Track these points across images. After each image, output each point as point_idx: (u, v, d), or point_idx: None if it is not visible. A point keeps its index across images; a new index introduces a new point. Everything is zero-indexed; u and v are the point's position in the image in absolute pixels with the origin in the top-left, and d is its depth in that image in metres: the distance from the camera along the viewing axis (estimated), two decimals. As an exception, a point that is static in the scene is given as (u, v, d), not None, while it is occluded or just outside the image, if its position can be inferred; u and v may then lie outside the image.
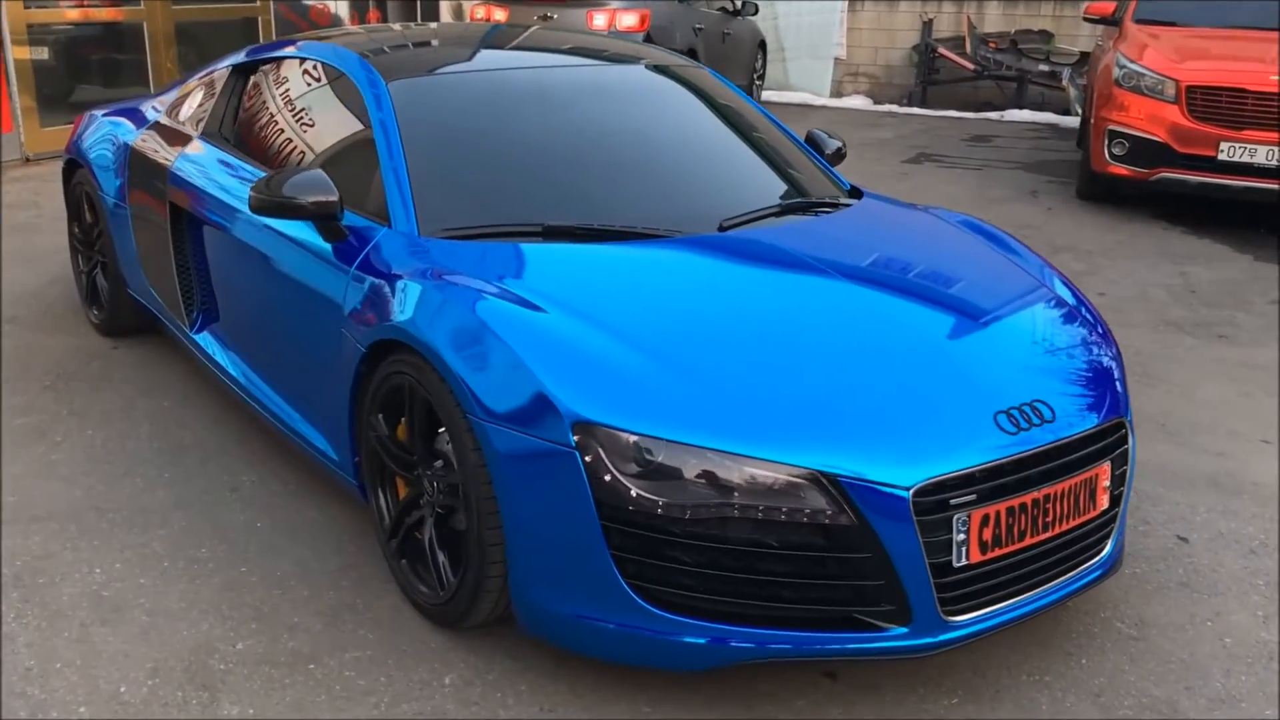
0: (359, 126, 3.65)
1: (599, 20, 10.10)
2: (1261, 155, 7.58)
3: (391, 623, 3.02)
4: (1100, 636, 3.00)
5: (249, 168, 3.86)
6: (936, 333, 2.99)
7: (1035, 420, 2.69)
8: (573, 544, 2.58)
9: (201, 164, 4.07)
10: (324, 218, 3.25)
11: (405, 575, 3.07)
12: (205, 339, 4.10)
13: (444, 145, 3.47)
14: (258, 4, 10.78)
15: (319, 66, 3.94)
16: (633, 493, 2.51)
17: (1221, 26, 8.43)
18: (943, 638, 2.56)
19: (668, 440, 2.51)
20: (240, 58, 4.36)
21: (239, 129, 4.18)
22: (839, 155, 4.16)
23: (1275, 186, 7.67)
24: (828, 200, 3.72)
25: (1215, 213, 8.16)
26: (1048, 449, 2.67)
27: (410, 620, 3.02)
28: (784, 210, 3.58)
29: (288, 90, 4.05)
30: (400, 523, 3.10)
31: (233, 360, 3.92)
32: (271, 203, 3.25)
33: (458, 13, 12.83)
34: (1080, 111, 11.93)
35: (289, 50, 4.17)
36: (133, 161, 4.53)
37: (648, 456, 2.51)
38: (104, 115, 5.11)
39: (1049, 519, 2.66)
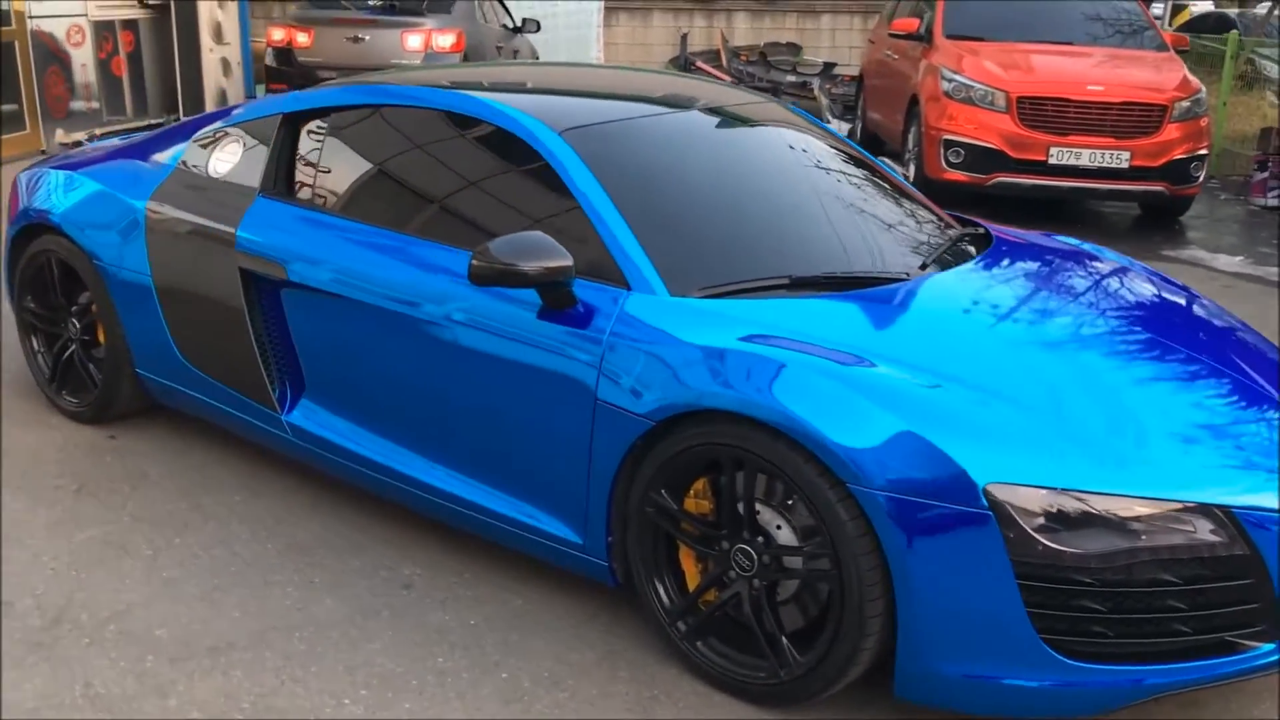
0: (521, 180, 3.39)
1: (413, 41, 9.73)
2: (1085, 158, 8.36)
3: (707, 708, 2.84)
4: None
5: (371, 231, 3.48)
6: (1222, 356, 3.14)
7: None
8: (983, 605, 2.54)
9: (293, 228, 3.63)
10: (551, 285, 3.00)
11: (710, 657, 2.90)
12: (307, 420, 3.66)
13: (651, 198, 3.28)
14: (14, 28, 9.62)
15: (445, 116, 3.60)
16: (1042, 547, 2.51)
17: (1026, 41, 9.20)
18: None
19: (1074, 491, 2.53)
20: (290, 105, 3.91)
21: (327, 186, 3.74)
22: None
23: (1098, 186, 8.49)
24: (971, 231, 3.83)
25: (1042, 210, 8.91)
26: None
27: (723, 704, 2.86)
28: (956, 249, 3.64)
29: (401, 142, 3.67)
30: (694, 603, 2.92)
31: (364, 441, 3.52)
32: (494, 271, 2.97)
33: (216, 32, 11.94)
34: (831, 119, 12.66)
35: (379, 97, 3.77)
36: (154, 225, 3.97)
37: (1056, 509, 2.52)
38: (57, 169, 4.45)
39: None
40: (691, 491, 2.91)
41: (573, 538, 3.11)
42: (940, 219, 3.87)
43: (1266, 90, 13.77)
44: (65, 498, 3.83)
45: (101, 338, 4.29)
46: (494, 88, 3.77)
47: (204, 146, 4.08)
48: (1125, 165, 8.35)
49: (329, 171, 3.75)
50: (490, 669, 2.99)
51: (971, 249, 3.68)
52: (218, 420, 4.05)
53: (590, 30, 14.62)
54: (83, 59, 10.74)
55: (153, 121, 11.72)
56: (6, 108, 9.62)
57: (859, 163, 3.96)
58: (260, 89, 13.63)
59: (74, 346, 4.38)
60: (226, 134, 4.04)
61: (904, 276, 3.26)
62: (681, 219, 3.28)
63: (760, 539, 2.80)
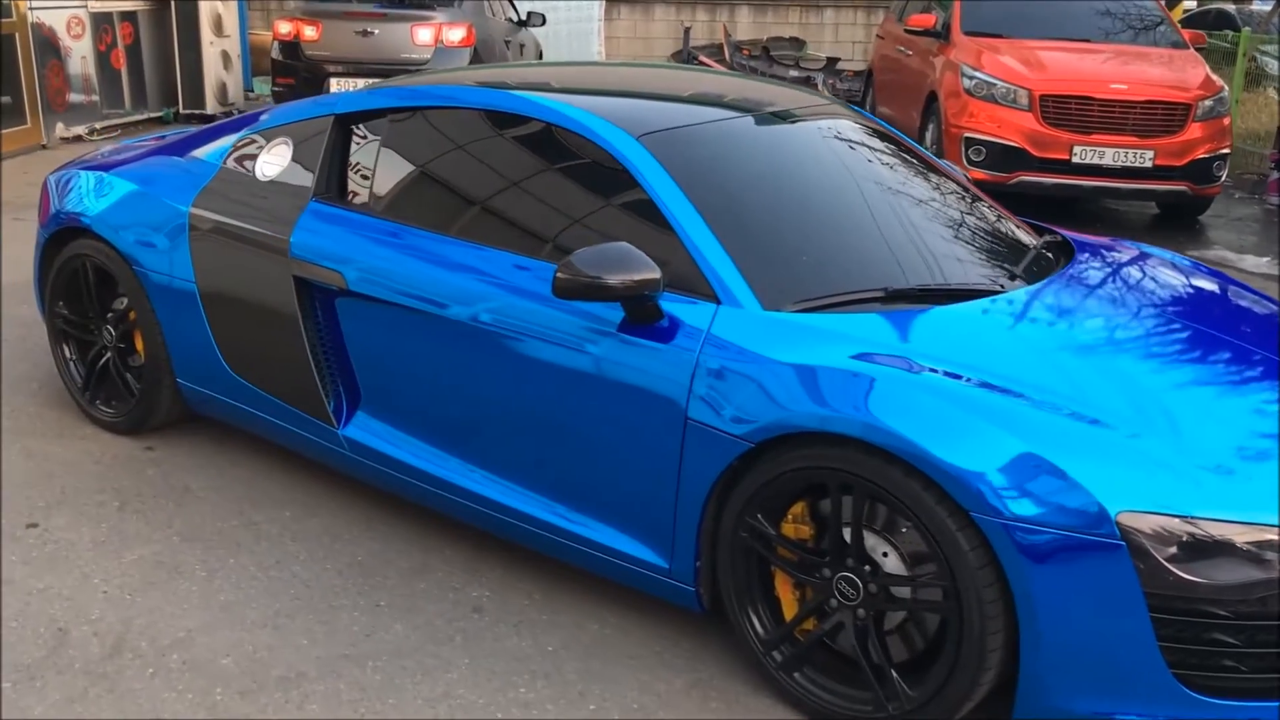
0: (594, 187, 3.26)
1: (423, 35, 9.55)
2: (1109, 157, 8.27)
3: (810, 744, 2.73)
4: None
5: (440, 239, 3.34)
6: None
7: None
8: (1113, 639, 2.43)
9: (351, 235, 3.48)
10: (638, 299, 2.87)
11: (808, 689, 2.78)
12: (365, 434, 3.51)
13: (735, 206, 3.14)
14: (14, 20, 9.41)
15: (512, 120, 3.45)
16: (1175, 578, 2.40)
17: (1044, 38, 9.10)
18: None
19: (1206, 519, 2.42)
20: (342, 106, 3.75)
21: (383, 190, 3.59)
22: None
23: (1121, 185, 8.41)
24: (1053, 240, 3.73)
25: (1056, 209, 8.82)
26: None
27: (824, 737, 2.75)
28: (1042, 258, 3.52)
29: (464, 146, 3.53)
30: (790, 632, 2.80)
31: (428, 457, 3.38)
32: (579, 285, 2.84)
33: (216, 24, 11.73)
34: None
35: (438, 99, 3.61)
36: (198, 230, 3.82)
37: (1189, 538, 2.41)
38: (89, 170, 4.28)
39: None
40: (789, 516, 2.79)
41: (658, 561, 2.98)
42: (1017, 225, 3.75)
43: (1269, 88, 13.75)
44: (109, 514, 3.67)
45: (139, 346, 4.13)
46: (555, 90, 3.62)
47: (249, 148, 3.92)
48: (1149, 164, 8.26)
49: (387, 176, 3.60)
50: (575, 700, 2.86)
51: (1049, 256, 3.56)
52: (264, 433, 3.90)
53: (592, 24, 14.45)
54: (82, 51, 10.53)
55: (153, 115, 11.53)
56: (5, 101, 9.40)
57: (930, 167, 3.84)
58: (258, 82, 13.45)
59: (109, 354, 4.21)
60: (273, 135, 3.88)
61: (998, 289, 3.14)
62: (768, 228, 3.15)
63: (866, 567, 2.67)
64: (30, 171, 8.77)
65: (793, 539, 2.78)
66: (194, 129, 4.50)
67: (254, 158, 3.88)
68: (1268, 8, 17.33)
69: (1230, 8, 18.03)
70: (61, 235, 4.25)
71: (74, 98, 10.43)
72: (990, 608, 2.48)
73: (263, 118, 4.03)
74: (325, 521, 3.66)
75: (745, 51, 14.41)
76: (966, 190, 3.82)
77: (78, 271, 4.20)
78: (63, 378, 4.38)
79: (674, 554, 2.95)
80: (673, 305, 2.93)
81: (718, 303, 2.91)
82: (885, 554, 2.67)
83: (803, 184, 3.34)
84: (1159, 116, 8.27)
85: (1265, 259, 7.90)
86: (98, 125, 10.64)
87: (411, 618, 3.17)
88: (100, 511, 3.69)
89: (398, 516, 3.68)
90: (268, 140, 3.89)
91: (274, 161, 3.82)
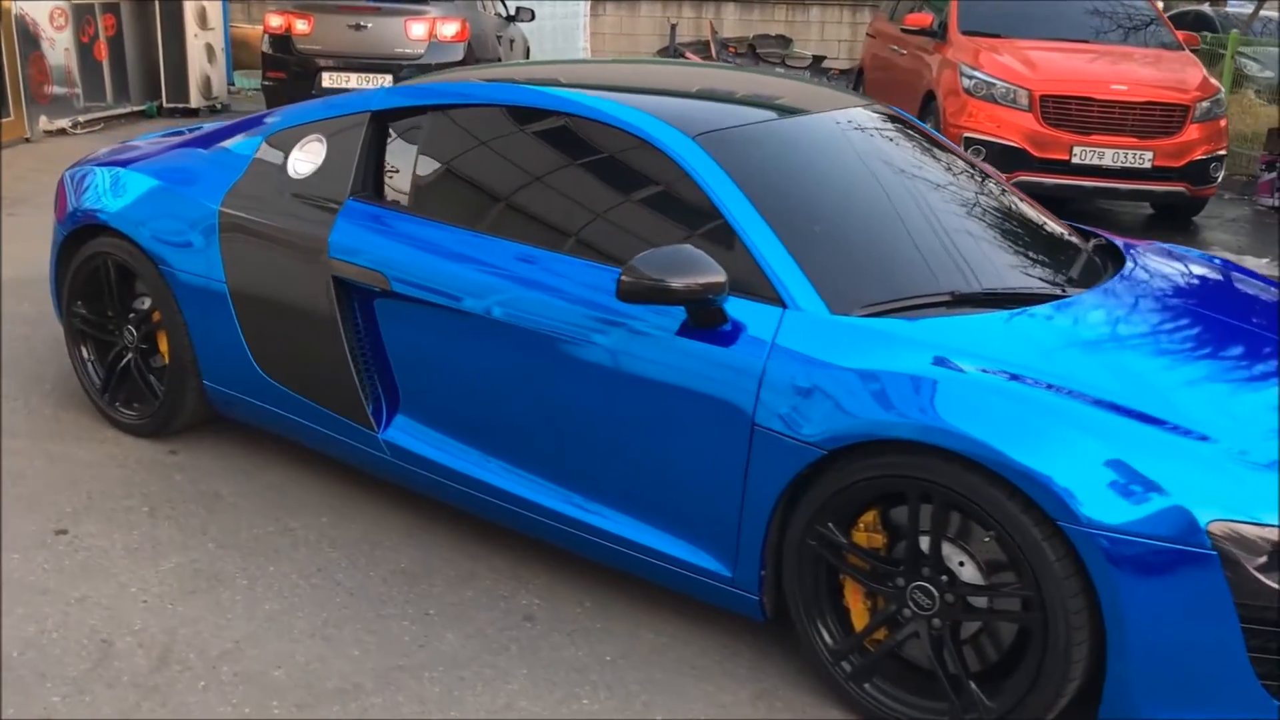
0: (648, 187, 3.20)
1: (417, 30, 9.44)
2: (1109, 158, 8.29)
3: (884, 755, 2.68)
4: None
5: (490, 241, 3.26)
6: None
7: None
8: (1202, 649, 2.41)
9: (394, 235, 3.40)
10: (701, 302, 2.82)
11: (880, 699, 2.74)
12: (408, 438, 3.43)
13: (795, 207, 3.09)
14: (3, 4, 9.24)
15: (557, 118, 3.38)
16: (1266, 587, 2.37)
17: (1041, 38, 9.11)
18: None
19: (1294, 527, 2.39)
20: (379, 103, 3.67)
21: (425, 190, 3.51)
22: None
23: (1120, 186, 8.43)
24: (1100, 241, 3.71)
25: (1059, 210, 8.82)
26: None
27: (896, 749, 2.70)
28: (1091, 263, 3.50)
29: (509, 145, 3.45)
30: (860, 642, 2.76)
31: (474, 462, 3.31)
32: (643, 288, 2.78)
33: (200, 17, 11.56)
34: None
35: (481, 96, 3.54)
36: (229, 228, 3.73)
37: (1279, 548, 2.38)
38: (107, 166, 4.18)
39: None
40: (860, 523, 2.75)
41: (720, 569, 2.93)
42: (1064, 228, 3.73)
43: (1249, 90, 13.85)
44: (139, 520, 3.58)
45: (162, 347, 4.03)
46: (598, 88, 3.55)
47: (279, 145, 3.83)
48: (1148, 165, 8.28)
49: (429, 175, 3.53)
50: (640, 711, 2.80)
51: (1098, 260, 3.54)
52: (295, 437, 3.82)
53: (578, 19, 14.37)
54: (65, 43, 10.34)
55: (135, 108, 11.35)
56: (-11, 93, 9.23)
57: (974, 167, 3.80)
58: (238, 76, 13.27)
59: (130, 355, 4.11)
60: (304, 132, 3.79)
61: (1060, 293, 3.11)
62: (829, 230, 3.10)
63: (943, 577, 2.63)
64: (16, 165, 8.60)
65: (865, 547, 2.73)
66: (217, 124, 4.40)
67: (285, 154, 3.79)
68: (1244, 10, 17.48)
69: (1208, 9, 18.18)
70: (80, 233, 4.14)
71: (56, 90, 10.25)
72: (1076, 618, 2.45)
73: (291, 114, 3.93)
74: (363, 527, 3.59)
75: (731, 49, 14.37)
76: (1013, 192, 3.79)
77: (98, 270, 4.10)
78: (80, 379, 4.27)
79: (737, 562, 2.89)
80: (736, 309, 2.88)
81: (783, 306, 2.86)
82: (961, 563, 2.63)
83: (859, 184, 3.29)
84: (1158, 117, 8.29)
85: (1264, 260, 7.94)
86: (81, 119, 10.46)
87: (463, 626, 3.11)
88: (130, 518, 3.59)
89: (436, 522, 3.61)
90: (299, 137, 3.80)
91: (306, 159, 3.73)
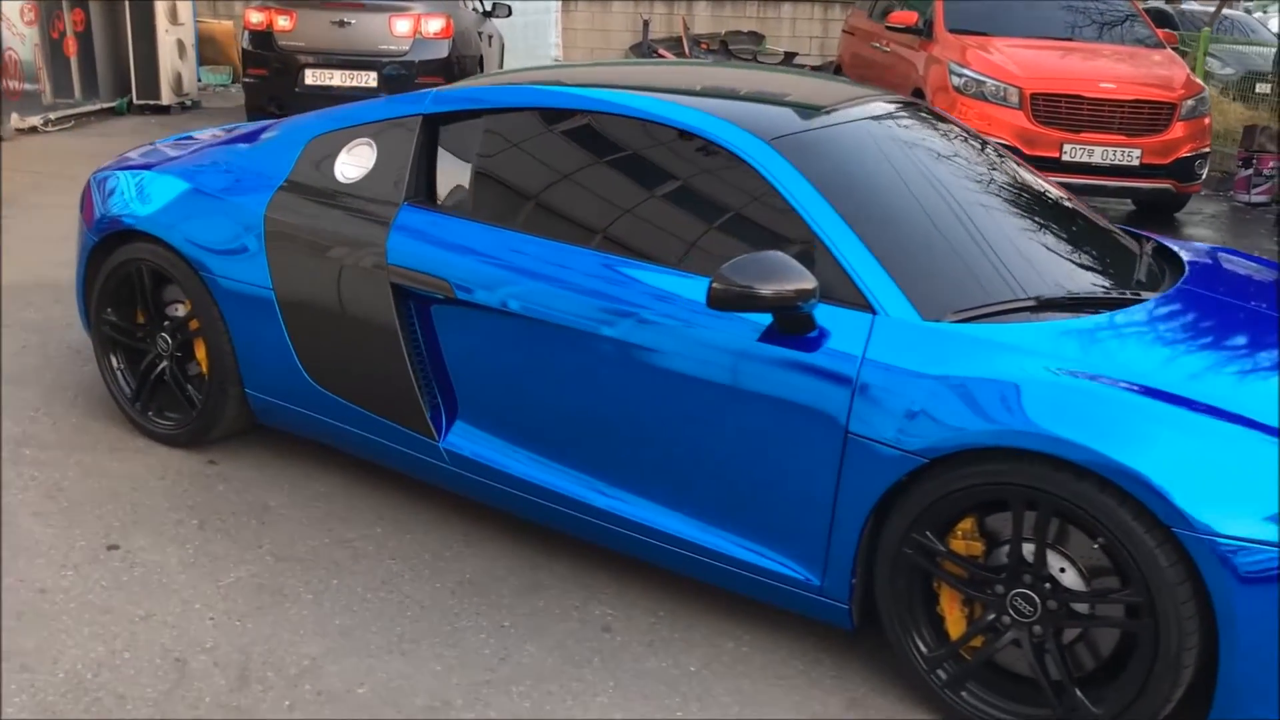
0: (723, 192, 3.17)
1: (401, 26, 9.32)
2: (1098, 155, 8.37)
3: (985, 763, 2.68)
4: None
5: (559, 247, 3.21)
6: None
7: None
8: (1315, 654, 2.42)
9: (456, 242, 3.34)
10: (790, 309, 2.79)
11: (978, 707, 2.73)
12: (471, 447, 3.37)
13: (876, 211, 3.07)
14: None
15: (622, 121, 3.33)
16: (1376, 593, 2.39)
17: (1026, 36, 9.18)
18: None
19: (1406, 534, 2.42)
20: (431, 106, 3.60)
21: (485, 195, 3.45)
22: None
23: (1108, 183, 8.52)
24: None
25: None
26: None
27: (995, 756, 2.70)
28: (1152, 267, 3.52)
29: (573, 149, 3.40)
30: (956, 649, 2.75)
31: (542, 470, 3.26)
32: (734, 295, 2.76)
33: (172, 14, 11.34)
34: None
35: (542, 99, 3.48)
36: (276, 234, 3.64)
37: (1388, 553, 2.40)
38: (138, 169, 4.07)
39: None
40: (957, 531, 2.74)
41: (809, 579, 2.91)
42: (1118, 230, 3.75)
43: (1213, 86, 14.06)
44: (191, 534, 3.49)
45: (199, 354, 3.94)
46: (660, 90, 3.51)
47: (324, 148, 3.75)
48: (1136, 163, 8.38)
49: (489, 179, 3.47)
50: (736, 724, 2.78)
51: (1156, 263, 3.56)
52: (346, 446, 3.75)
53: (549, 15, 14.29)
54: (34, 39, 10.09)
55: (105, 105, 11.13)
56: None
57: (1026, 169, 3.81)
58: (204, 71, 13.05)
59: (164, 363, 4.01)
60: (351, 135, 3.72)
61: (1138, 297, 3.12)
62: (912, 234, 3.08)
63: (1046, 584, 2.63)
64: (-6, 165, 8.38)
65: (963, 555, 2.72)
66: (246, 125, 4.30)
67: (331, 158, 3.71)
68: (1201, 8, 17.75)
69: (1166, 6, 18.42)
70: (109, 240, 4.04)
71: (26, 87, 10.01)
72: (1188, 624, 2.45)
73: (332, 117, 3.84)
74: (420, 538, 3.53)
75: (704, 45, 14.33)
76: (1065, 195, 3.81)
77: (131, 277, 3.99)
78: (109, 388, 4.16)
79: (826, 571, 2.88)
80: (823, 316, 2.85)
81: (873, 313, 2.84)
82: (1063, 569, 2.63)
83: (934, 187, 3.28)
84: (1146, 115, 8.39)
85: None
86: (52, 116, 10.23)
87: (541, 639, 3.06)
88: (180, 531, 3.50)
89: (494, 531, 3.56)
90: (345, 141, 3.72)
91: (355, 163, 3.66)
